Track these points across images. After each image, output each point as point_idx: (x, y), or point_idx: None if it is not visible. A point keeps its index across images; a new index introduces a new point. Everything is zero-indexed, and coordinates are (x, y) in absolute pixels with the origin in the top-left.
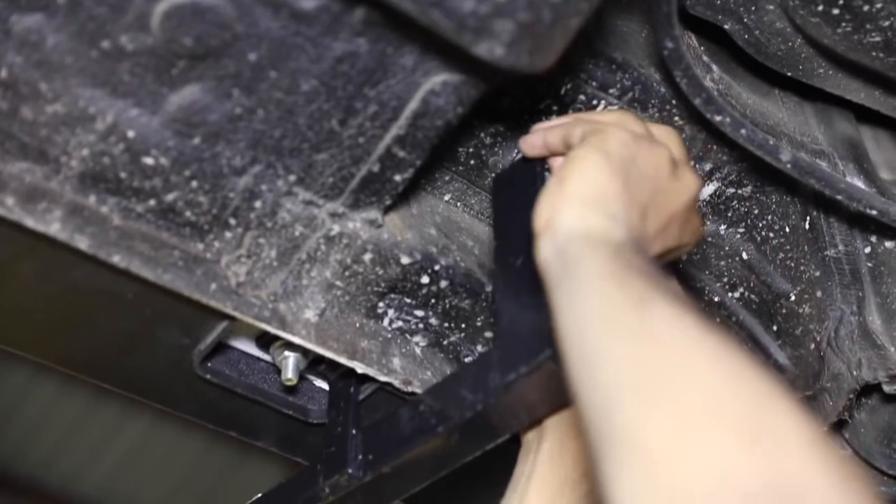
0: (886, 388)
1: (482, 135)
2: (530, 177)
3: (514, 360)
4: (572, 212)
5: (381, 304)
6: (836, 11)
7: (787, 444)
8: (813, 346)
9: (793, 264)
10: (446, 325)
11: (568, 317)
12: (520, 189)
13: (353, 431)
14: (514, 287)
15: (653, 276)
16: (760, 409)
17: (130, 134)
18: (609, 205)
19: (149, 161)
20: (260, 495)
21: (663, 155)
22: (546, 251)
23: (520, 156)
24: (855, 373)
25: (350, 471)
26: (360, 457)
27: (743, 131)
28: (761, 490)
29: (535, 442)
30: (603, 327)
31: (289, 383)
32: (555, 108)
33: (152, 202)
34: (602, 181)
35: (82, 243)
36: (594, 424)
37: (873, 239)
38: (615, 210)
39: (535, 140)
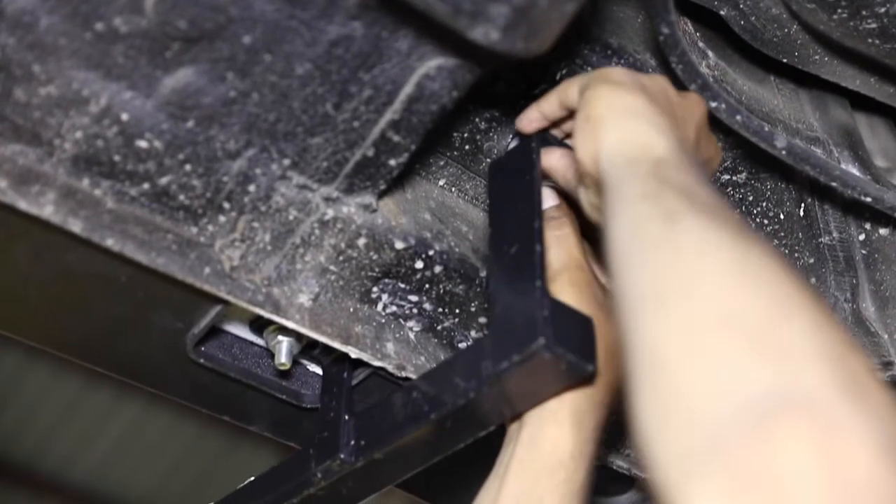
0: (879, 376)
1: (477, 120)
2: (526, 164)
3: (507, 348)
4: (613, 133)
5: (375, 289)
6: None
7: (797, 355)
8: None
9: (787, 251)
10: (440, 310)
11: (608, 239)
12: (515, 176)
13: (346, 417)
14: (508, 275)
15: (689, 190)
16: (774, 321)
17: (124, 117)
18: (644, 112)
19: (142, 144)
20: (252, 479)
21: (663, 80)
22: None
23: (515, 142)
24: None
25: (342, 456)
26: (352, 442)
27: (738, 118)
28: (764, 397)
29: (517, 430)
30: (633, 241)
31: (282, 368)
32: None
33: (146, 186)
34: (627, 97)
35: (75, 226)
36: (624, 337)
37: (868, 226)
38: (651, 116)
39: (531, 113)
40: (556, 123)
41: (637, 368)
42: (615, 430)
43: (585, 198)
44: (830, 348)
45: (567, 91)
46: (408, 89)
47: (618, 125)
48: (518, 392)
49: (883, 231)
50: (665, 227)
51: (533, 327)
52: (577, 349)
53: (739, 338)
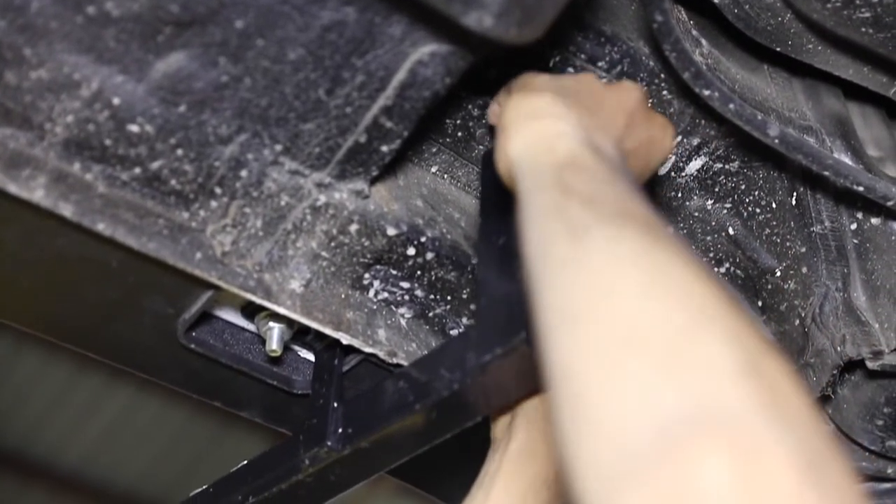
0: (870, 365)
1: (470, 107)
2: None
3: (490, 341)
4: (518, 139)
5: (366, 276)
6: None
7: (712, 370)
8: (797, 321)
9: (779, 240)
10: (432, 296)
11: (524, 256)
12: None
13: (335, 404)
14: (495, 266)
15: (594, 197)
16: (686, 335)
17: (115, 101)
18: (550, 111)
19: (134, 129)
20: (244, 463)
21: (590, 77)
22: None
23: None
24: (839, 349)
25: (329, 444)
26: (339, 430)
27: (731, 106)
28: (681, 417)
29: (504, 441)
30: (542, 261)
31: (273, 354)
32: None
33: (137, 170)
34: (534, 101)
35: (66, 210)
36: (542, 357)
37: (859, 215)
38: (557, 113)
39: (493, 107)
40: None
41: (554, 390)
42: None
43: None
44: (747, 359)
45: (510, 85)
46: (401, 75)
47: (521, 130)
48: (502, 384)
49: (875, 220)
50: (570, 245)
51: (516, 321)
52: None
53: (650, 356)
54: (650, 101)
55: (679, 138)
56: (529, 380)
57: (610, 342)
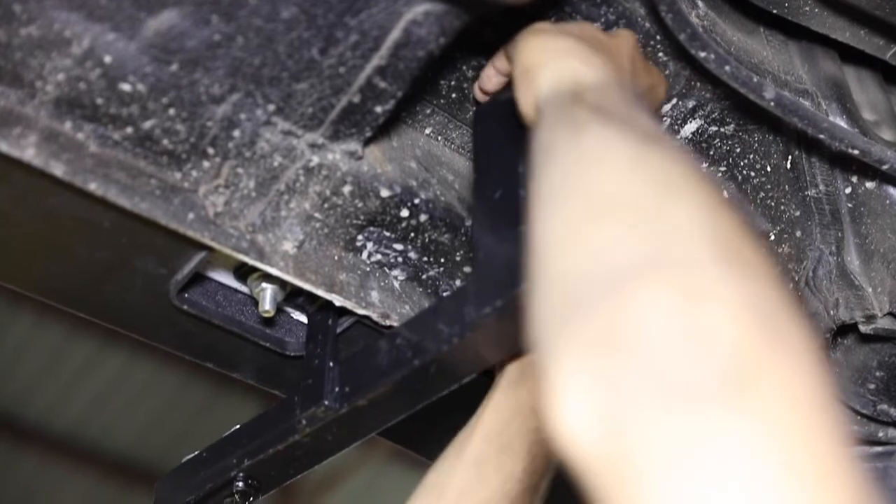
0: (863, 329)
1: (464, 67)
2: (509, 109)
3: (489, 294)
4: (547, 75)
5: (359, 237)
6: None
7: (678, 232)
8: (791, 285)
9: (773, 204)
10: (425, 259)
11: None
12: (501, 121)
13: (331, 364)
14: (491, 220)
15: (602, 106)
16: (659, 205)
17: (107, 59)
18: (575, 51)
19: (126, 87)
20: (238, 426)
21: (589, 25)
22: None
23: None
24: (832, 313)
25: (326, 403)
26: (336, 389)
27: (727, 68)
28: (631, 264)
29: (499, 372)
30: (543, 154)
31: (266, 315)
32: None
33: (129, 130)
34: (558, 40)
35: (58, 170)
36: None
37: (854, 179)
38: (582, 54)
39: (488, 70)
40: None
41: (532, 262)
42: None
43: None
44: (715, 228)
45: (509, 46)
46: (394, 35)
47: (550, 67)
48: (501, 337)
49: (869, 184)
50: (570, 136)
51: (515, 272)
52: None
53: (621, 220)
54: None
55: (674, 101)
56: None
57: (582, 210)
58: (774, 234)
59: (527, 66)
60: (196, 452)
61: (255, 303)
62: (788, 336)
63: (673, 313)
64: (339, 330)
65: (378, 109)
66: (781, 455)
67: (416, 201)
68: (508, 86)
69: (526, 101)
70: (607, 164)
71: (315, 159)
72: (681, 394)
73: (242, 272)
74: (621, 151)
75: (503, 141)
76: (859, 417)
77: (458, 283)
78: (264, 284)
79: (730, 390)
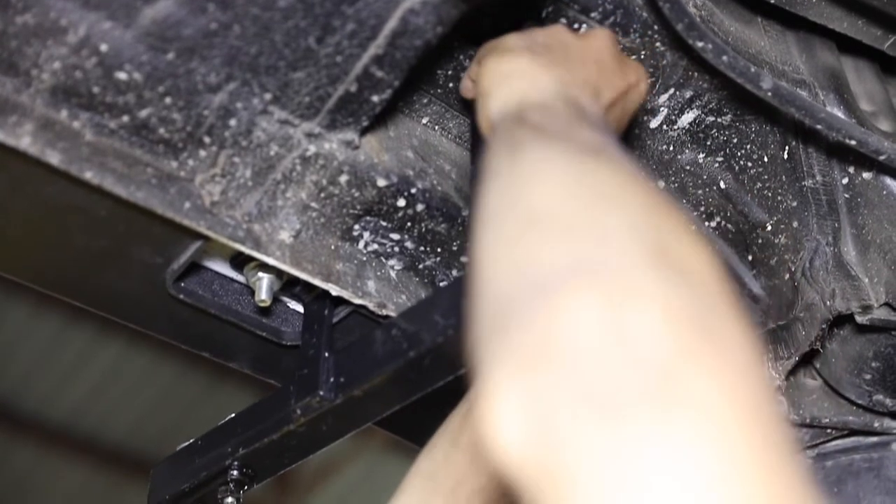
0: (859, 319)
1: (462, 57)
2: None
3: None
4: (497, 100)
5: (356, 227)
6: None
7: (606, 239)
8: (787, 276)
9: (770, 194)
10: (422, 248)
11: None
12: None
13: (326, 354)
14: None
15: (542, 125)
16: (589, 217)
17: (103, 48)
18: (525, 71)
19: (122, 76)
20: (233, 415)
21: (558, 27)
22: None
23: None
24: (828, 303)
25: (321, 393)
26: (331, 379)
27: (725, 58)
28: (557, 272)
29: None
30: (484, 179)
31: (262, 304)
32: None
33: (125, 118)
34: (511, 62)
35: (54, 158)
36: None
37: (851, 170)
38: (532, 72)
39: (465, 82)
40: None
41: (471, 282)
42: None
43: None
44: (647, 233)
45: (480, 55)
46: (392, 24)
47: (500, 91)
48: None
49: (866, 175)
50: (508, 158)
51: None
52: None
53: (550, 232)
54: (643, 52)
55: (672, 90)
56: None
57: (515, 226)
58: (771, 225)
59: (481, 90)
60: (191, 441)
61: (252, 292)
62: (721, 335)
63: (598, 320)
64: (335, 320)
65: (375, 99)
66: (713, 456)
67: (413, 191)
68: None
69: (483, 125)
70: (540, 181)
71: (312, 149)
72: (608, 401)
73: (239, 261)
74: (556, 167)
75: None
76: (855, 408)
77: (454, 272)
78: (260, 274)
79: (657, 394)
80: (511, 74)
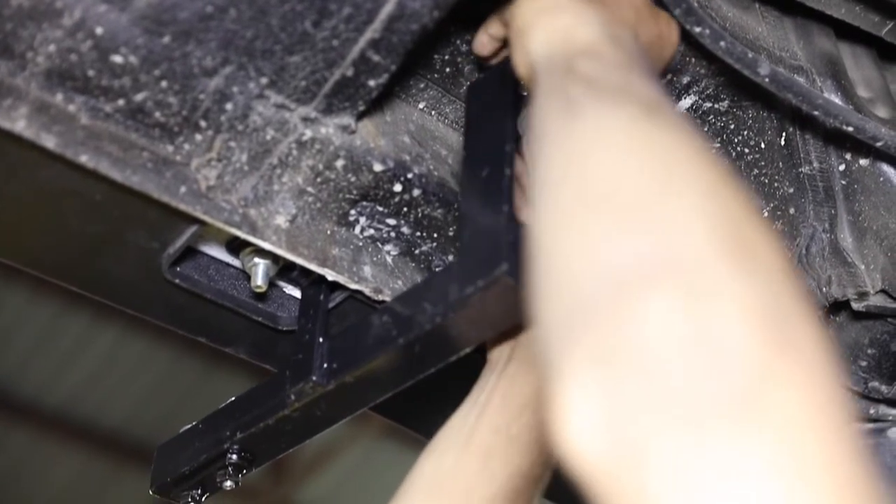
0: (855, 306)
1: (458, 42)
2: (502, 86)
3: (472, 273)
4: (538, 36)
5: (352, 212)
6: None
7: (678, 226)
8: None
9: (767, 181)
10: (418, 234)
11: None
12: (490, 98)
13: (321, 339)
14: (478, 198)
15: (595, 77)
16: (658, 195)
17: (98, 31)
18: (566, 6)
19: (117, 59)
20: (230, 400)
21: None
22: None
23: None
24: (825, 290)
25: (314, 378)
26: (325, 365)
27: (722, 43)
28: (632, 266)
29: (502, 362)
30: (539, 139)
31: (258, 290)
32: None
33: (121, 102)
34: None
35: (49, 142)
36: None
37: (848, 156)
38: (574, 8)
39: (481, 37)
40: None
41: (531, 257)
42: None
43: None
44: (721, 218)
45: (504, 11)
46: (388, 8)
47: (541, 27)
48: (485, 317)
49: (863, 161)
50: (564, 120)
51: (497, 252)
52: None
53: (616, 213)
54: None
55: (669, 76)
56: (513, 312)
57: (579, 201)
58: (768, 212)
59: (520, 27)
60: (191, 424)
61: (248, 277)
62: (801, 339)
63: (679, 321)
64: (331, 305)
65: (371, 83)
66: (792, 470)
67: (410, 176)
68: (499, 53)
69: (520, 64)
70: (604, 148)
71: (308, 133)
72: (688, 407)
73: (235, 246)
74: (617, 134)
75: (493, 118)
76: (851, 395)
77: (451, 257)
78: (256, 259)
79: (738, 404)
80: (552, 8)
